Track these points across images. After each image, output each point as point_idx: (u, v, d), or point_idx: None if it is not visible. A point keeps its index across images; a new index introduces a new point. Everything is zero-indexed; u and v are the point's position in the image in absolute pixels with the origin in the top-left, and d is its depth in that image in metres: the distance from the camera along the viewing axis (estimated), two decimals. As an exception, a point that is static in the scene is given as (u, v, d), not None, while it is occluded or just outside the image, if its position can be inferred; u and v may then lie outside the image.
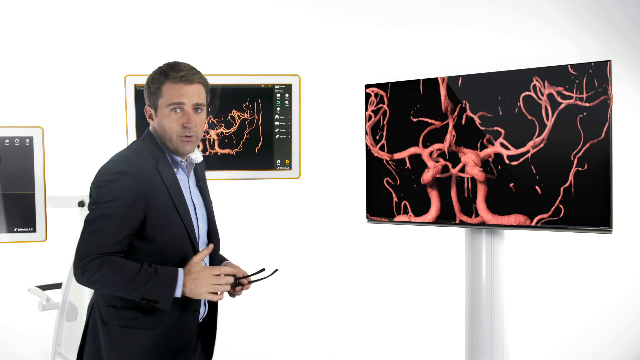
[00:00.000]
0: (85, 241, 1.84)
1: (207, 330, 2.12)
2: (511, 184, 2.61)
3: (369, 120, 2.95)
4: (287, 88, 2.92)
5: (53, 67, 3.76)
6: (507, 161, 2.61)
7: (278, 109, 2.92)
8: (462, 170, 2.71)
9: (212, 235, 2.07)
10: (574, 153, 2.48)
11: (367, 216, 3.00)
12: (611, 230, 2.43)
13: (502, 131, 2.62)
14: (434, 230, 3.63)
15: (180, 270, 1.87)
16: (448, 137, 2.74)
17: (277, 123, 2.92)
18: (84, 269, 1.83)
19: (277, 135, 2.93)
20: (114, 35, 3.79)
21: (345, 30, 3.91)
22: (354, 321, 3.98)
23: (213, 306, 2.11)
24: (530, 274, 3.74)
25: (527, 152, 2.57)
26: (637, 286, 3.66)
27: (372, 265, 3.98)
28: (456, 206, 2.73)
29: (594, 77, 2.44)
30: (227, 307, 3.88)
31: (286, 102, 2.92)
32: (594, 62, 2.45)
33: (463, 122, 2.71)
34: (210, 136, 2.89)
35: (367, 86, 2.97)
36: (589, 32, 3.58)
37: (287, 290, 3.96)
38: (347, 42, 3.90)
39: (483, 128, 2.67)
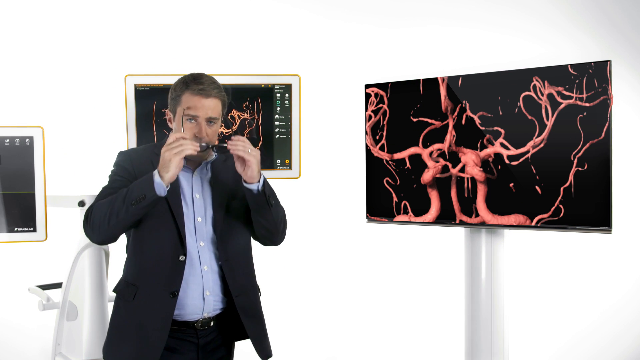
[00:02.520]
0: (95, 202, 2.07)
1: (229, 328, 2.20)
2: (511, 184, 2.61)
3: (369, 120, 2.95)
4: (287, 88, 2.92)
5: (53, 67, 3.76)
6: (507, 161, 2.62)
7: (278, 109, 2.92)
8: (462, 170, 2.71)
9: (217, 230, 2.13)
10: (574, 153, 2.48)
11: (367, 216, 3.00)
12: (611, 230, 2.43)
13: (502, 131, 2.62)
14: (434, 230, 3.63)
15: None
16: (448, 137, 2.74)
17: (277, 123, 2.92)
18: (86, 219, 2.04)
19: (277, 135, 2.93)
20: (114, 35, 3.79)
21: (345, 30, 3.91)
22: (354, 321, 3.98)
23: (232, 304, 2.15)
24: (530, 274, 3.74)
25: (527, 152, 2.57)
26: (637, 286, 3.66)
27: (372, 265, 3.98)
28: (456, 206, 2.73)
29: (594, 77, 2.44)
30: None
31: (286, 102, 2.92)
32: (594, 62, 2.45)
33: (463, 122, 2.71)
34: (210, 136, 2.90)
35: (367, 86, 2.97)
36: (589, 32, 3.59)
37: (287, 290, 3.96)
38: (347, 42, 3.91)
39: (483, 128, 2.67)
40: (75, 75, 3.77)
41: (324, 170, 3.85)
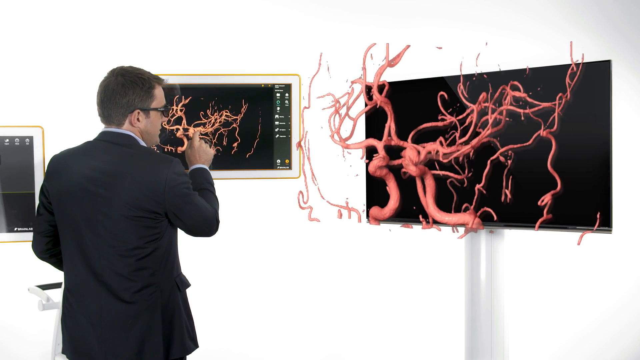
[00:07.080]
0: (208, 206, 2.23)
1: None
2: (511, 184, 2.61)
3: (368, 120, 2.95)
4: (287, 88, 2.92)
5: (53, 67, 3.76)
6: (507, 161, 2.61)
7: (278, 108, 2.92)
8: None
9: None
10: (573, 153, 2.48)
11: (367, 216, 3.00)
12: (611, 230, 2.43)
13: (502, 131, 2.62)
14: (434, 230, 3.62)
15: (195, 165, 2.41)
16: (449, 137, 2.74)
17: (277, 123, 2.92)
18: (217, 222, 2.27)
19: (277, 135, 2.93)
20: (114, 35, 3.79)
21: (345, 30, 3.91)
22: (354, 321, 3.98)
23: None
24: (530, 274, 3.74)
25: (527, 152, 2.57)
26: (637, 286, 3.66)
27: (371, 265, 3.98)
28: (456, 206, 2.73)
29: (594, 77, 2.44)
30: (225, 306, 3.88)
31: (286, 102, 2.92)
32: (594, 62, 2.44)
33: (463, 122, 2.71)
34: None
35: (367, 86, 2.97)
36: (589, 32, 3.58)
37: (287, 290, 3.96)
38: (347, 43, 3.90)
39: (482, 129, 2.67)
40: (75, 75, 3.76)
41: (324, 170, 3.84)
